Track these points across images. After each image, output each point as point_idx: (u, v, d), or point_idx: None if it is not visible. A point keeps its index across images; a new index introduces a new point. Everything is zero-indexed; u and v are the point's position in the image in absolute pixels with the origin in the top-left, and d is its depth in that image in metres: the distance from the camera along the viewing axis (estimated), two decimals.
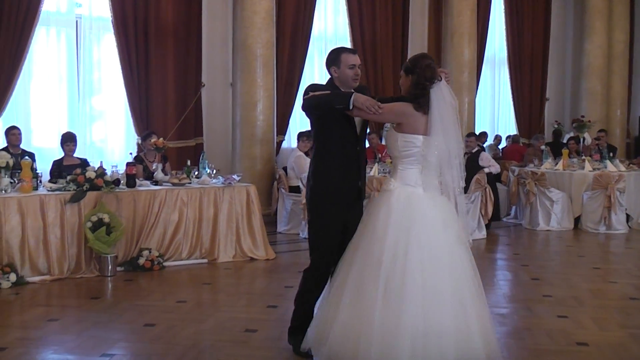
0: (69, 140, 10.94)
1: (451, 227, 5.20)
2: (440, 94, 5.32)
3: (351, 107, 5.37)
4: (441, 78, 5.38)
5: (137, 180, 9.97)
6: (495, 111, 19.46)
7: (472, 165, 13.05)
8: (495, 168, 13.33)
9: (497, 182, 14.52)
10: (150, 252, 9.54)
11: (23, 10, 12.10)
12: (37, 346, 6.40)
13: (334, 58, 5.81)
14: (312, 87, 5.82)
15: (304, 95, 5.75)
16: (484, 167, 13.10)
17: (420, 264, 4.98)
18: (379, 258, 5.05)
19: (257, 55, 13.44)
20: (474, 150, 13.45)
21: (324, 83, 5.94)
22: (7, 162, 8.96)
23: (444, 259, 5.07)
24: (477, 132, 16.92)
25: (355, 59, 5.78)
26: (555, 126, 17.96)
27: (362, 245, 5.23)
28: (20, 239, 8.69)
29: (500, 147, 18.59)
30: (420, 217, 5.14)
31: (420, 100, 5.29)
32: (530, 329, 7.02)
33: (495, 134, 18.94)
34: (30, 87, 12.85)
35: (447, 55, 16.70)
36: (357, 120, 5.71)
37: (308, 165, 6.09)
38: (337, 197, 5.68)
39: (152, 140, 10.97)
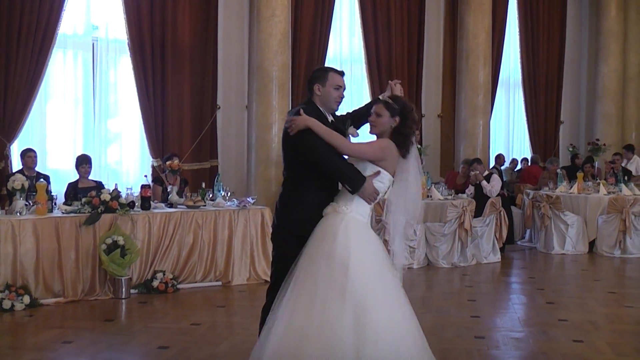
0: (84, 162, 10.96)
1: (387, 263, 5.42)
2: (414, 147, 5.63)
3: (352, 193, 5.36)
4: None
5: (152, 202, 10.00)
6: (510, 134, 19.40)
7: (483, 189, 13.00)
8: (492, 190, 12.94)
9: (511, 205, 14.49)
10: (164, 274, 9.57)
11: (40, 33, 12.15)
12: None
13: (320, 75, 5.61)
14: (307, 112, 5.44)
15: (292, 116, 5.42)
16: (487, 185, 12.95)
17: (363, 284, 5.11)
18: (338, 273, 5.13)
19: (273, 77, 13.47)
20: (484, 174, 13.36)
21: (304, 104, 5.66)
22: (23, 185, 9.03)
23: (377, 286, 5.21)
24: (491, 155, 16.92)
25: (343, 81, 5.64)
26: (570, 149, 17.90)
27: (317, 261, 5.20)
28: (35, 261, 8.74)
29: (516, 170, 18.49)
30: (369, 246, 5.36)
31: (407, 147, 5.53)
32: (546, 353, 7.00)
33: (512, 157, 18.87)
34: (47, 110, 12.86)
35: (462, 77, 16.70)
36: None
37: None
38: (308, 231, 5.41)
39: (167, 163, 11.01)
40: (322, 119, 5.53)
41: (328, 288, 5.07)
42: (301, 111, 5.41)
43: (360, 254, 5.20)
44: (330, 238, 5.22)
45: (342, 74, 5.69)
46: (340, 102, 5.67)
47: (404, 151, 5.47)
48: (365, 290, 5.09)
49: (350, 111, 5.99)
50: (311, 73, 5.76)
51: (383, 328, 5.03)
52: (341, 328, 4.95)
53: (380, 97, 5.82)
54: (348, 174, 5.35)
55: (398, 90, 5.85)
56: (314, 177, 5.48)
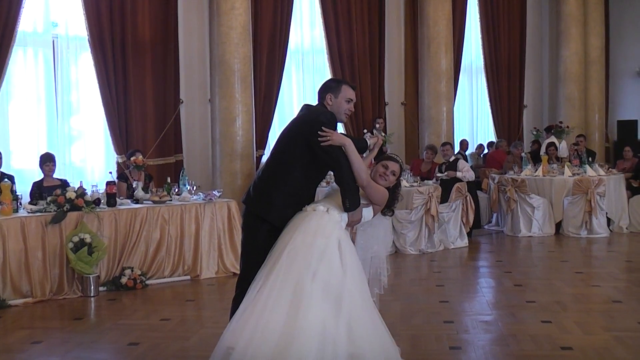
0: (48, 160, 10.85)
1: None
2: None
3: (346, 209, 5.46)
4: None
5: (118, 199, 9.94)
6: (474, 119, 19.50)
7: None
8: (469, 175, 13.18)
9: (477, 189, 14.56)
10: (132, 270, 9.52)
11: None
12: None
13: (334, 86, 5.64)
14: (332, 121, 5.53)
15: (320, 120, 5.43)
16: (457, 171, 13.05)
17: (356, 290, 5.32)
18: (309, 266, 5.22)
19: (235, 70, 13.42)
20: (451, 159, 13.44)
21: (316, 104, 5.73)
22: None
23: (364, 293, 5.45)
24: (456, 141, 16.98)
25: (354, 95, 5.68)
26: (534, 133, 18.02)
27: (305, 257, 5.22)
28: (2, 262, 8.65)
29: (482, 155, 18.57)
30: (355, 255, 5.52)
31: (393, 208, 5.85)
32: (514, 335, 7.06)
33: (478, 143, 18.97)
34: (9, 109, 12.76)
35: (424, 64, 16.71)
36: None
37: None
38: (284, 222, 5.50)
39: (132, 159, 10.96)
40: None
41: (318, 288, 5.12)
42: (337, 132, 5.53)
43: (354, 262, 5.38)
44: (323, 237, 5.29)
45: (354, 87, 5.76)
46: (348, 115, 5.76)
47: (391, 212, 5.82)
48: (357, 295, 5.24)
49: (343, 132, 6.11)
50: (324, 82, 5.80)
51: (370, 332, 5.20)
52: (336, 329, 5.03)
53: (369, 140, 6.10)
54: (354, 192, 5.44)
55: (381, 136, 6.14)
56: (308, 178, 5.60)
